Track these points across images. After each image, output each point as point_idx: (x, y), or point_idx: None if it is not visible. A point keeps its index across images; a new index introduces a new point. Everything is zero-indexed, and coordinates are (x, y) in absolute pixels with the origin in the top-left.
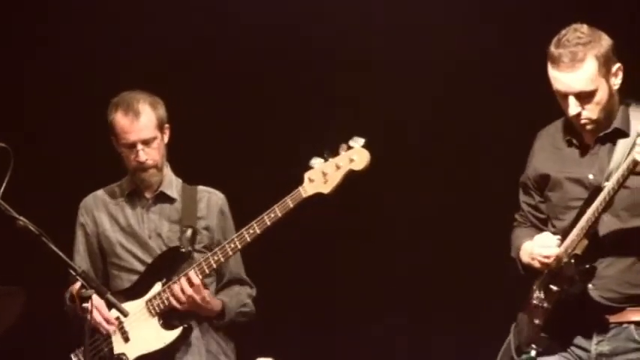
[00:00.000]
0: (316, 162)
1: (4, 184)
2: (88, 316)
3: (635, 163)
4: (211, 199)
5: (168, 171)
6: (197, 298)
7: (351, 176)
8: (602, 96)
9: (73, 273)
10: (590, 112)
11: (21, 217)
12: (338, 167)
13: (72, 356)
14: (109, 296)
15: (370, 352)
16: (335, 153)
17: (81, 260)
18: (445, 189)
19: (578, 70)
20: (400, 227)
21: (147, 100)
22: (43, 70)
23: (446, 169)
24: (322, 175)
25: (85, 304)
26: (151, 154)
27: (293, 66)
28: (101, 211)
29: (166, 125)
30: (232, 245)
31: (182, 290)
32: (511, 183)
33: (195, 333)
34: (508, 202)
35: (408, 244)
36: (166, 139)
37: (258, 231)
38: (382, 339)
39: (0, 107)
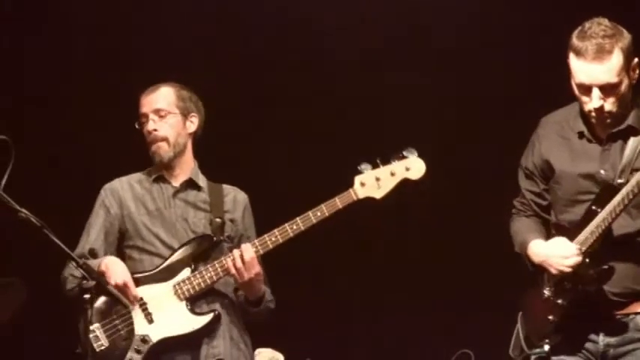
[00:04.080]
0: (367, 167)
1: (5, 177)
2: (88, 308)
3: None
4: (237, 197)
5: (195, 164)
6: (253, 270)
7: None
8: (623, 89)
9: (74, 264)
10: (612, 106)
11: (23, 210)
12: (393, 174)
13: (90, 329)
14: (110, 287)
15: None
16: (386, 161)
17: (95, 237)
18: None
19: (606, 62)
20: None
21: (172, 84)
22: (45, 65)
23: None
24: (375, 180)
25: (85, 295)
26: (163, 127)
27: (328, 71)
28: (127, 194)
29: (193, 114)
30: (273, 239)
31: (241, 258)
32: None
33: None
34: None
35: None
36: (191, 127)
37: (302, 227)
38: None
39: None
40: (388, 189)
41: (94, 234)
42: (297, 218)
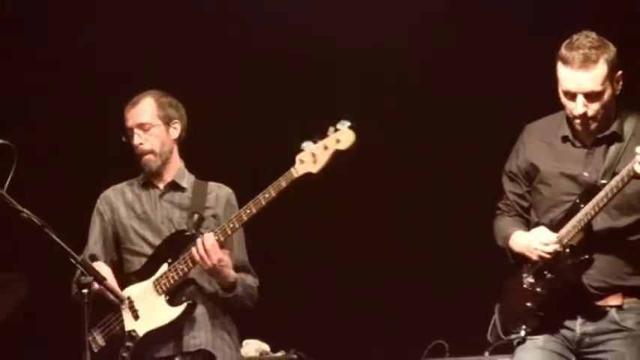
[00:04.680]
0: (306, 145)
1: (9, 179)
2: (86, 303)
3: (635, 174)
4: (220, 193)
5: (181, 165)
6: (215, 257)
7: (339, 157)
8: (607, 98)
9: (73, 261)
10: (595, 112)
11: (24, 210)
12: (326, 148)
13: (88, 335)
14: (107, 282)
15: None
16: (323, 135)
17: (94, 244)
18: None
19: (591, 71)
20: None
21: (152, 94)
22: (46, 69)
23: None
24: (312, 157)
25: (84, 290)
26: (148, 140)
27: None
28: (119, 201)
29: (175, 121)
30: (231, 225)
31: (202, 246)
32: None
33: (201, 310)
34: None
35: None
36: (174, 134)
37: (254, 210)
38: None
39: (4, 104)
40: (323, 163)
41: (92, 241)
42: (250, 202)
